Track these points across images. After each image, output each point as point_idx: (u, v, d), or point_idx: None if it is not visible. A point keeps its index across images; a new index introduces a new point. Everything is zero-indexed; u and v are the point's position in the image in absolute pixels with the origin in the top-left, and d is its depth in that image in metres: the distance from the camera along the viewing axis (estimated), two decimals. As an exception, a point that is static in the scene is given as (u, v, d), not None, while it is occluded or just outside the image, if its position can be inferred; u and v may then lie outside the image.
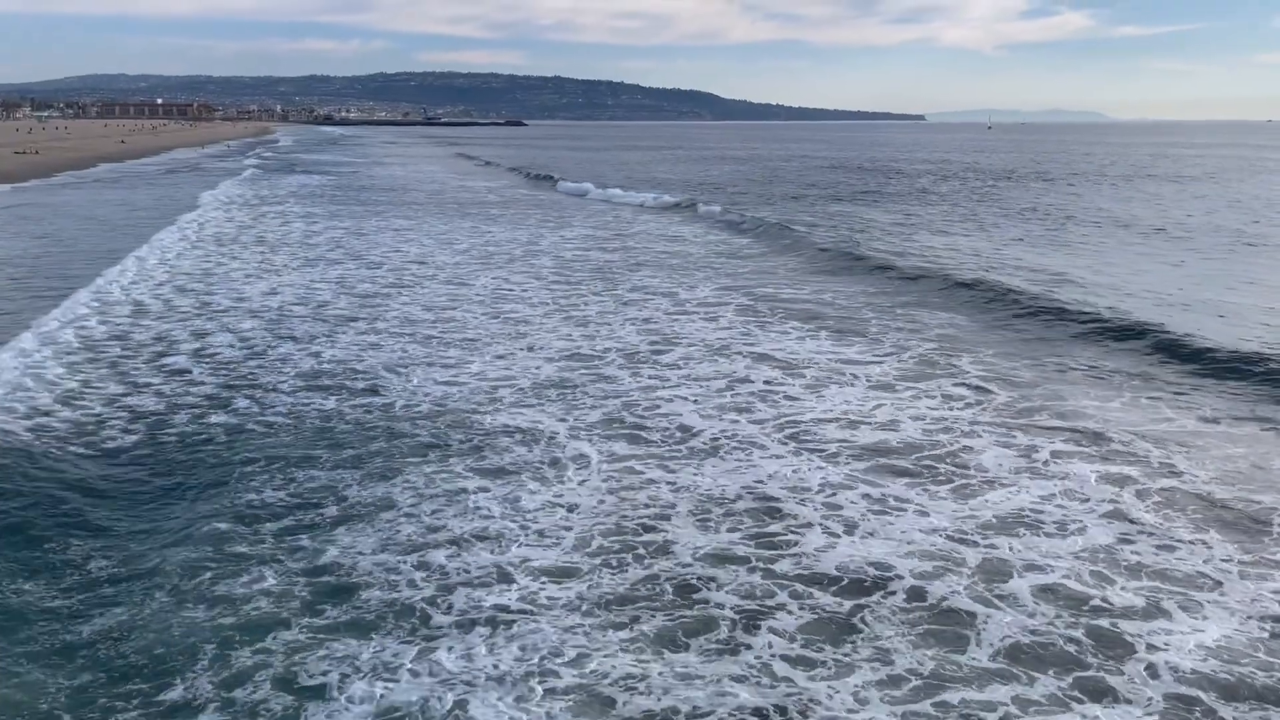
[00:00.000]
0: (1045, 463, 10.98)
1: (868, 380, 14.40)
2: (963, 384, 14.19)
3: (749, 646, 7.21)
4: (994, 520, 9.41)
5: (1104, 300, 19.93)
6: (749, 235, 32.62)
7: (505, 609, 7.66)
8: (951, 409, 13.02)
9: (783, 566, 8.46)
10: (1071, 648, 7.21)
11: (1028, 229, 33.97)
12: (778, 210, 40.14)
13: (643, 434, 11.93)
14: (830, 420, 12.51)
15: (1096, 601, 7.87)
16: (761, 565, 8.48)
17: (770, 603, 7.83)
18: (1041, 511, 9.64)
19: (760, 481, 10.43)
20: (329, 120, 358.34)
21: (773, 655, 7.10)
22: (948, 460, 11.09)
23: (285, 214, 38.34)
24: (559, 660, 6.98)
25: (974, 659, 7.07)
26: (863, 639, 7.34)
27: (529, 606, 7.71)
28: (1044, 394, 13.65)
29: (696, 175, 66.17)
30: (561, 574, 8.26)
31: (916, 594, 7.99)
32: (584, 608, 7.71)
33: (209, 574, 8.15)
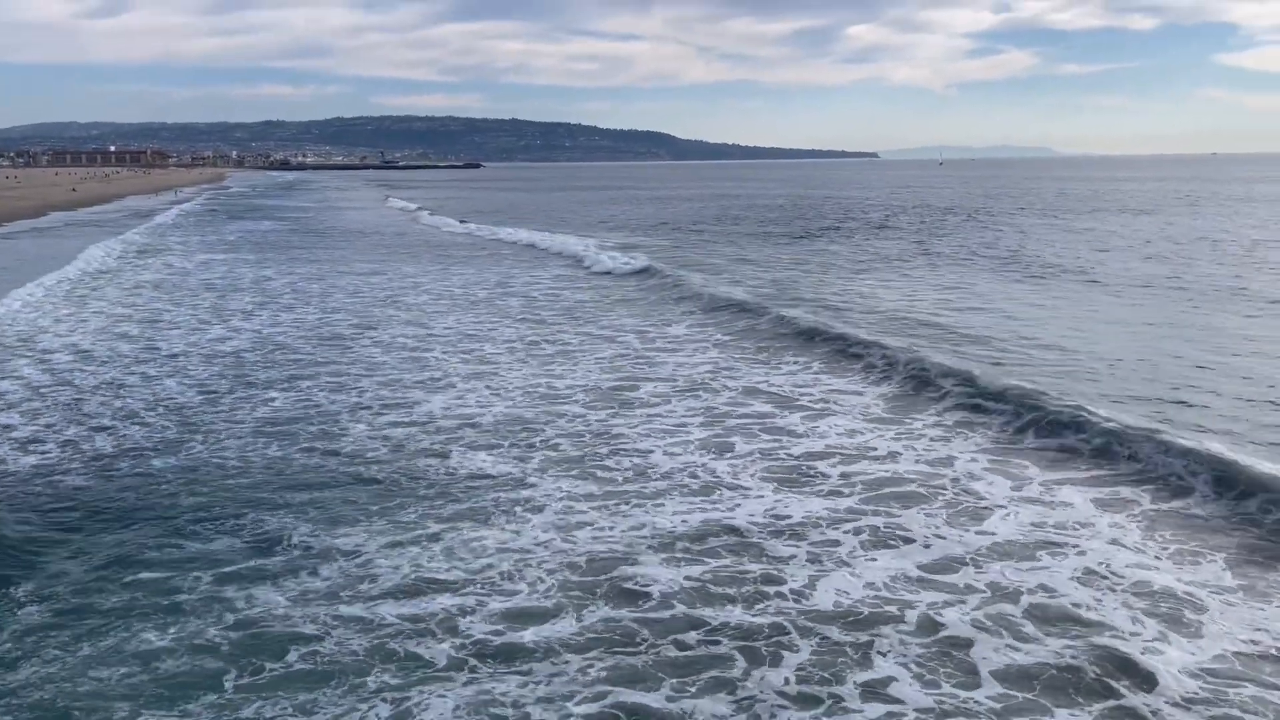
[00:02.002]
0: (1039, 490, 10.87)
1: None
2: (937, 420, 14.09)
3: (732, 688, 6.93)
4: (991, 548, 9.25)
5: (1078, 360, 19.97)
6: (635, 281, 29.99)
7: (461, 661, 7.33)
8: (929, 443, 12.89)
9: (766, 602, 8.21)
10: (1086, 677, 7.02)
11: (971, 272, 34.33)
12: (694, 251, 40.04)
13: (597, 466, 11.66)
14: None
15: (1103, 628, 7.72)
16: (742, 602, 8.23)
17: (756, 641, 7.56)
18: (1040, 538, 9.50)
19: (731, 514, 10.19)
20: (285, 165, 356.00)
21: (762, 692, 6.83)
22: (936, 492, 10.93)
23: (230, 261, 37.81)
24: (519, 710, 6.66)
25: (984, 692, 6.85)
26: (863, 674, 7.09)
27: (487, 654, 7.38)
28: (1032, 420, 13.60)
29: (623, 216, 66.34)
30: (521, 619, 7.94)
31: (920, 626, 7.77)
32: (546, 654, 7.39)
33: (142, 624, 7.77)
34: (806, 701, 6.76)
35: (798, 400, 14.95)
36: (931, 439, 12.85)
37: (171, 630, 7.67)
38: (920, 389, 15.24)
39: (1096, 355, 17.57)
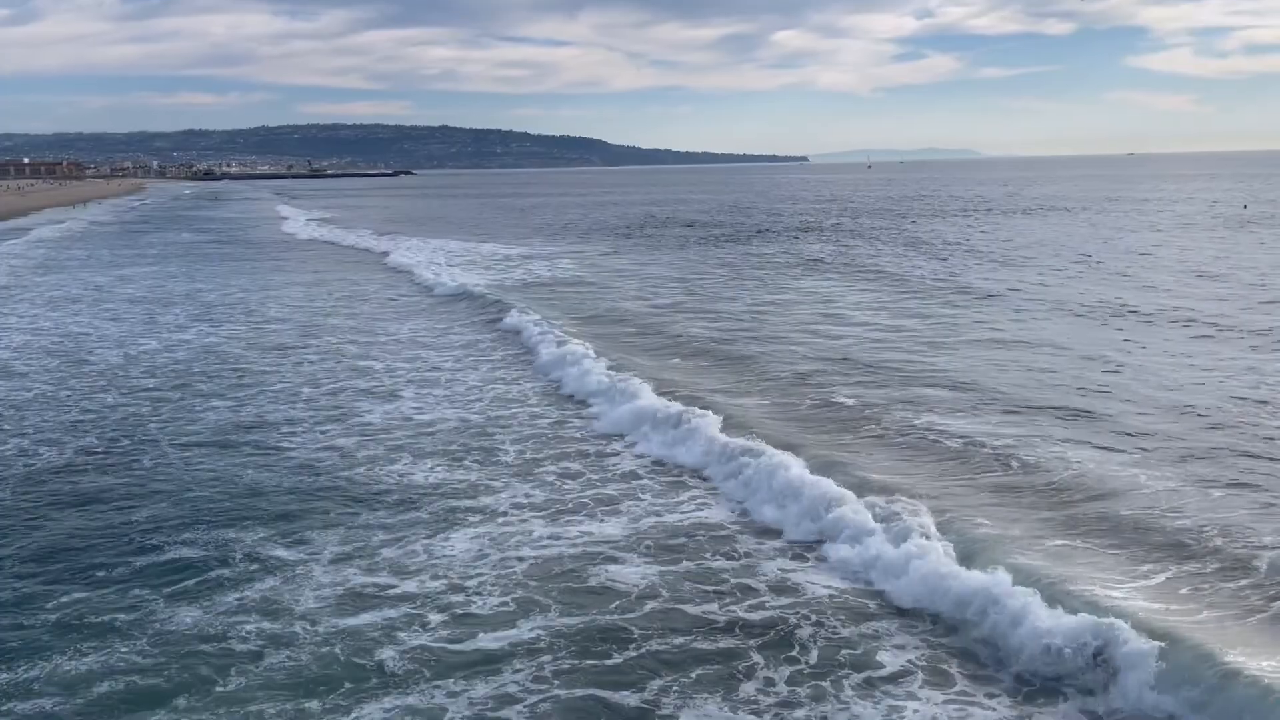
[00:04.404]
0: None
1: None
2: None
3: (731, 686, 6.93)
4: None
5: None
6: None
7: (417, 671, 7.21)
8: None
9: (737, 604, 8.23)
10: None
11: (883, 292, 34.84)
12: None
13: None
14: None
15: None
16: (705, 602, 8.24)
17: (726, 643, 7.58)
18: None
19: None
20: (209, 175, 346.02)
21: (748, 692, 6.84)
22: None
23: (154, 274, 36.89)
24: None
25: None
26: (857, 671, 7.19)
27: (446, 662, 7.29)
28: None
29: (557, 223, 66.26)
30: (484, 625, 7.86)
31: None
32: (516, 658, 7.32)
33: (76, 646, 7.51)
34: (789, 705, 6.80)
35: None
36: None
37: (109, 651, 7.40)
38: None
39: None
